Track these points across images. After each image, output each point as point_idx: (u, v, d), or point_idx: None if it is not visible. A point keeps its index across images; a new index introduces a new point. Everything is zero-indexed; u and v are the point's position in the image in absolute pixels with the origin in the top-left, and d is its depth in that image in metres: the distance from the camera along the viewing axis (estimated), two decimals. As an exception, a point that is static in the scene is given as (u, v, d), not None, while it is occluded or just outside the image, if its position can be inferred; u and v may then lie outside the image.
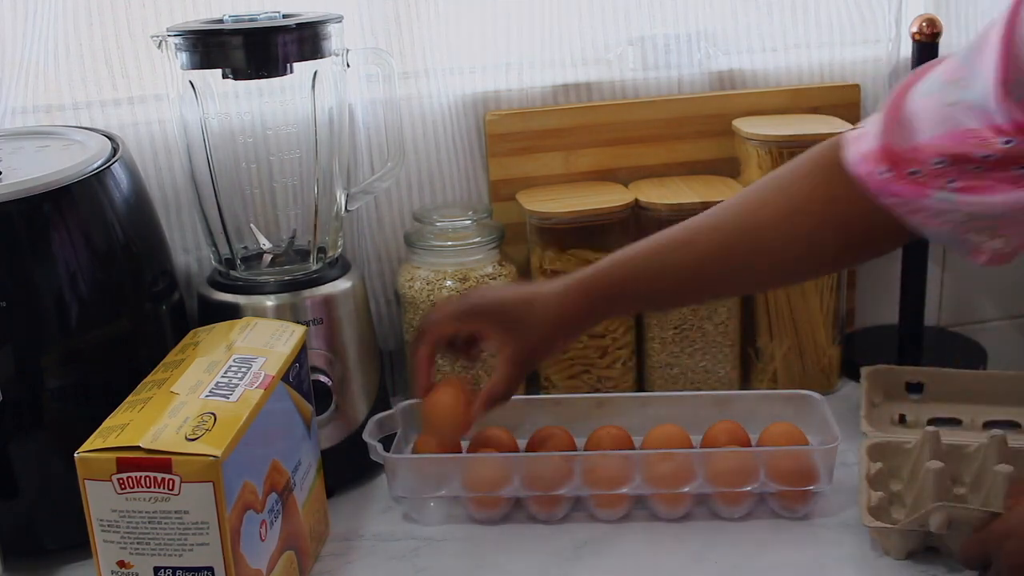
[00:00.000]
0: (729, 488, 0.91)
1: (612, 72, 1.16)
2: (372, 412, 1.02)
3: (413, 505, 0.94)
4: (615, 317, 1.07)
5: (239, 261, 1.03)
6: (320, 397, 0.95)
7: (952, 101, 0.71)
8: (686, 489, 0.91)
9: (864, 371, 1.09)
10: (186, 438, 0.70)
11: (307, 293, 0.98)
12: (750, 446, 0.95)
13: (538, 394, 1.12)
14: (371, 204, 1.12)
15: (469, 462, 0.94)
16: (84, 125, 1.02)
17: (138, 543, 0.71)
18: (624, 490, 0.91)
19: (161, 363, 0.83)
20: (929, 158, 0.72)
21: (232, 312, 0.96)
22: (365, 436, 0.95)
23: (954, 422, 1.05)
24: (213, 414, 0.73)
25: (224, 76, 0.96)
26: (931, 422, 1.02)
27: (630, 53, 1.16)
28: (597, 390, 1.10)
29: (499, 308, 0.89)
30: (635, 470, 0.91)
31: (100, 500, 0.70)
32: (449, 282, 1.05)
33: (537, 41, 1.14)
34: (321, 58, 0.97)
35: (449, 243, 1.06)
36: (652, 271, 0.87)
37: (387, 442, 0.97)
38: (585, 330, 0.94)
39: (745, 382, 1.14)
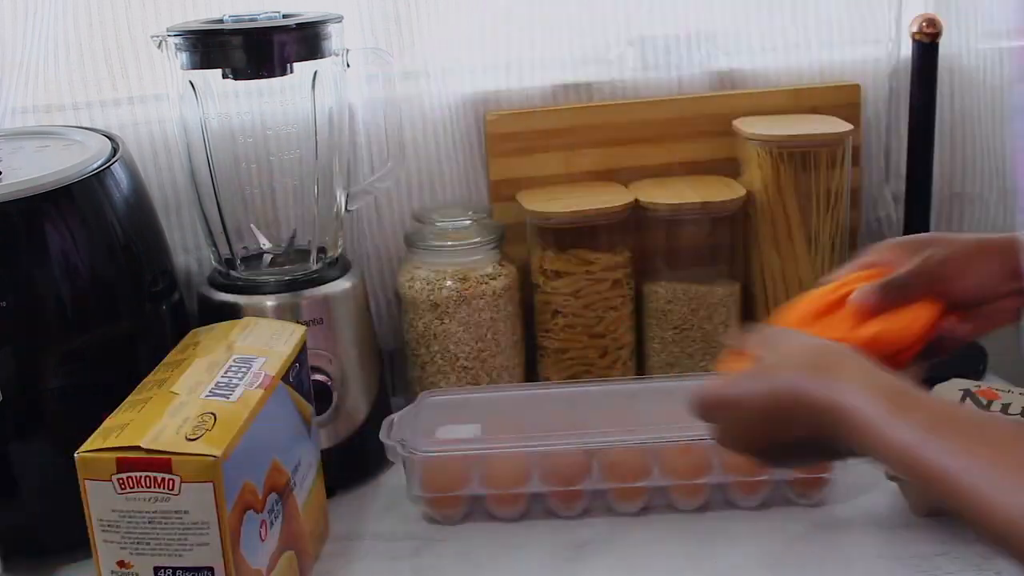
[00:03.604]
0: (746, 477, 0.91)
1: (612, 72, 1.16)
2: (372, 412, 1.02)
3: (432, 504, 0.94)
4: None
5: (239, 261, 1.03)
6: (320, 397, 0.95)
7: None
8: (704, 480, 0.92)
9: None
10: (186, 438, 0.70)
11: (307, 293, 0.98)
12: None
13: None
14: (371, 204, 1.12)
15: (489, 460, 0.93)
16: (84, 125, 1.02)
17: (138, 543, 0.71)
18: (642, 483, 0.92)
19: (161, 363, 0.83)
20: None
21: (232, 312, 0.96)
22: (382, 437, 0.95)
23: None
24: (213, 414, 0.73)
25: (224, 76, 0.96)
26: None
27: (630, 53, 1.16)
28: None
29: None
30: (653, 463, 0.92)
31: (100, 500, 0.70)
32: (449, 282, 1.05)
33: (537, 41, 1.14)
34: (321, 58, 0.97)
35: (449, 243, 1.06)
36: None
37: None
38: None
39: (745, 382, 1.14)
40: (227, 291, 0.99)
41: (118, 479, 0.69)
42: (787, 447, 0.65)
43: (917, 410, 0.57)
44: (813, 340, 0.67)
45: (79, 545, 0.73)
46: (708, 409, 0.68)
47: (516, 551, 0.90)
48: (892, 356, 0.68)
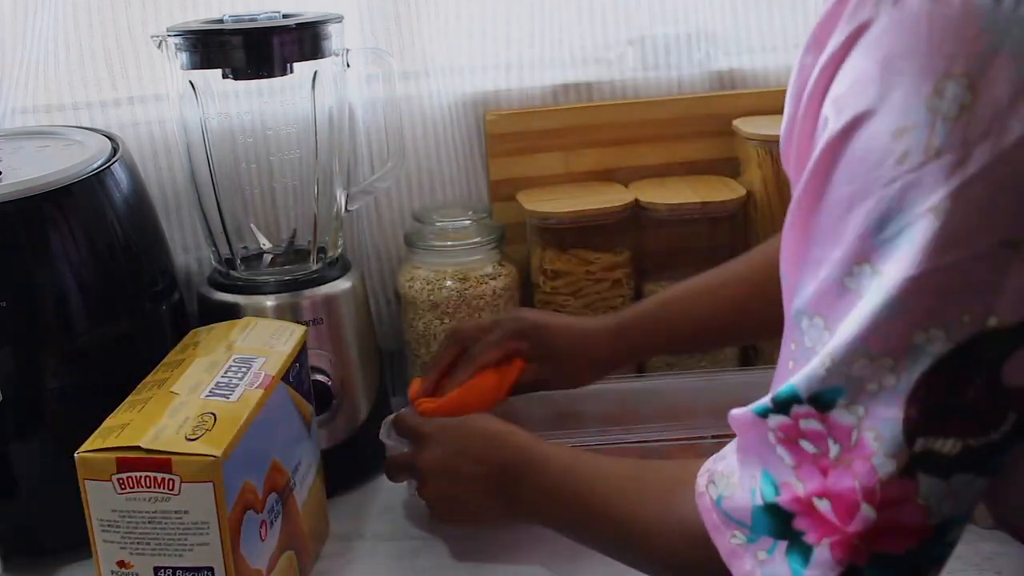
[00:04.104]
0: None
1: (612, 72, 1.16)
2: (372, 412, 1.02)
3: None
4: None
5: (239, 261, 1.03)
6: (320, 397, 0.95)
7: None
8: None
9: None
10: (186, 438, 0.70)
11: (307, 293, 0.98)
12: None
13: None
14: (371, 204, 1.12)
15: None
16: (84, 125, 1.02)
17: (138, 543, 0.71)
18: None
19: (161, 363, 0.83)
20: None
21: (232, 312, 0.96)
22: (382, 437, 0.95)
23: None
24: (213, 414, 0.73)
25: (224, 76, 0.96)
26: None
27: (630, 53, 1.16)
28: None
29: (541, 332, 0.94)
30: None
31: (100, 500, 0.70)
32: (449, 282, 1.05)
33: (537, 41, 1.14)
34: (321, 58, 0.97)
35: (449, 243, 1.06)
36: (676, 317, 0.93)
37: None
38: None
39: (745, 382, 1.14)
40: (227, 291, 0.99)
41: (118, 479, 0.69)
42: (473, 485, 0.83)
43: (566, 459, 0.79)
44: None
45: (79, 545, 0.73)
46: (419, 429, 0.88)
47: (516, 551, 0.90)
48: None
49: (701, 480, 0.63)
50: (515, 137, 1.14)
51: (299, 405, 0.85)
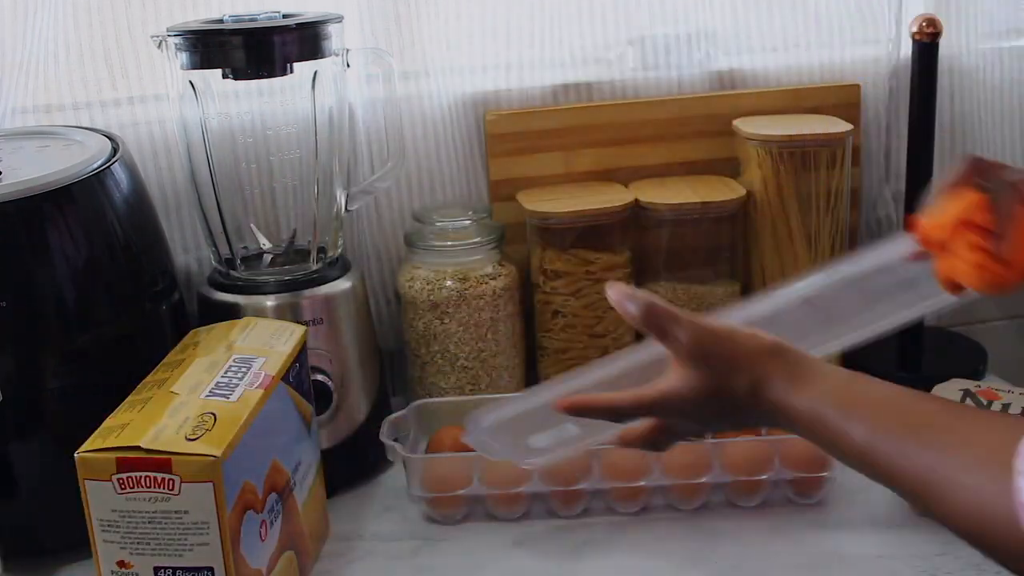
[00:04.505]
0: (746, 476, 0.92)
1: (612, 72, 1.16)
2: (372, 412, 1.02)
3: (432, 504, 0.94)
4: None
5: (239, 261, 1.03)
6: (320, 397, 0.95)
7: None
8: (704, 479, 0.92)
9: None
10: (186, 438, 0.70)
11: (307, 293, 0.98)
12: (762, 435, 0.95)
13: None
14: (371, 204, 1.12)
15: (489, 459, 0.93)
16: (84, 125, 1.02)
17: (138, 543, 0.71)
18: (642, 482, 0.92)
19: (161, 363, 0.83)
20: None
21: (232, 312, 0.96)
22: (382, 436, 0.95)
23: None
24: (213, 414, 0.73)
25: (224, 76, 0.96)
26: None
27: (630, 53, 1.16)
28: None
29: None
30: (653, 463, 0.92)
31: (100, 500, 0.70)
32: (449, 282, 1.05)
33: (537, 41, 1.14)
34: (321, 58, 0.97)
35: (449, 243, 1.06)
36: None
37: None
38: None
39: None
40: (227, 291, 0.99)
41: (118, 479, 0.69)
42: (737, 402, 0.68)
43: (864, 407, 0.64)
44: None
45: (79, 545, 0.73)
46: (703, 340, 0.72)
47: (516, 551, 0.90)
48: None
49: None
50: (515, 137, 1.14)
51: (299, 405, 0.85)
